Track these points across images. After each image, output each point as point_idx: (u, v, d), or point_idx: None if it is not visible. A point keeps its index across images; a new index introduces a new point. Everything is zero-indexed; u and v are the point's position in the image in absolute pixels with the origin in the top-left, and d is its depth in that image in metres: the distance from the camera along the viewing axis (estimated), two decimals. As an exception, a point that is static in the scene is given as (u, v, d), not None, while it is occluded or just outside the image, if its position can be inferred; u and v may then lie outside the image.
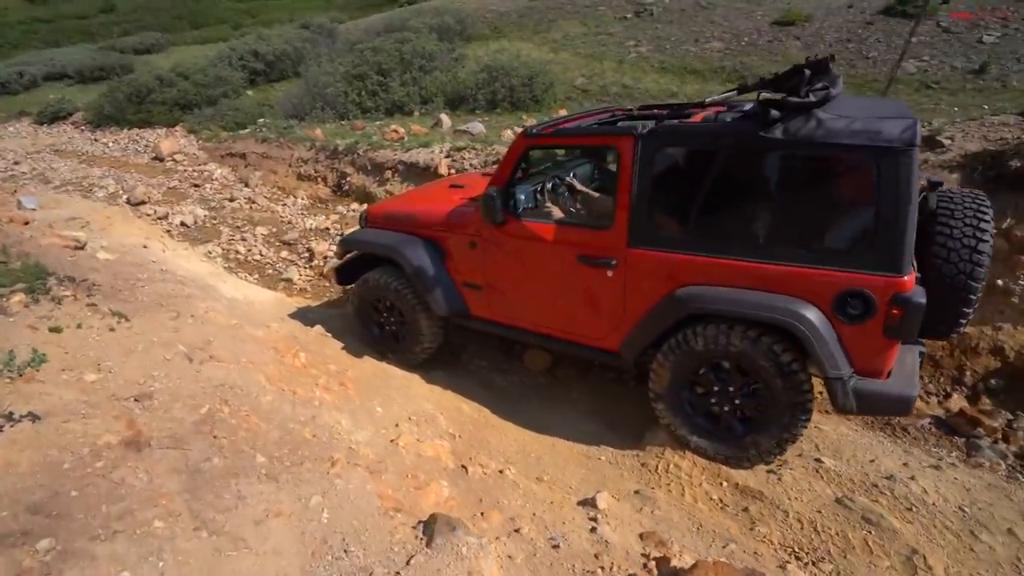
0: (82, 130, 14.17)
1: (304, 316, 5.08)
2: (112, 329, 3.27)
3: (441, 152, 7.08)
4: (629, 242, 3.02)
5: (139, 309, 3.91)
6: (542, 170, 4.01)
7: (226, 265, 7.09)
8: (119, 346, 3.03)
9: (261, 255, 7.27)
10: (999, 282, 3.84)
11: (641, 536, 2.42)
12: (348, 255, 4.45)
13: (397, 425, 3.21)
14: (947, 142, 4.28)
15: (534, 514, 2.55)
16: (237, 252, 7.41)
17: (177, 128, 12.95)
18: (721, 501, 2.80)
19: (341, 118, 11.25)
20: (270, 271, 6.93)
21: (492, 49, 14.37)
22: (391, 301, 4.14)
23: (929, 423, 3.53)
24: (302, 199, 8.77)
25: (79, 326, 3.20)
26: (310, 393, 3.23)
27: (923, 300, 2.46)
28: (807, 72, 2.50)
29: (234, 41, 16.81)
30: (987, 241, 2.68)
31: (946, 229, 2.73)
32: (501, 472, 2.93)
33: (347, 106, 11.39)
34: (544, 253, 3.35)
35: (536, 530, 2.39)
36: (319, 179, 8.88)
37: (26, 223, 7.21)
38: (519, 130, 8.40)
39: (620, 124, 3.30)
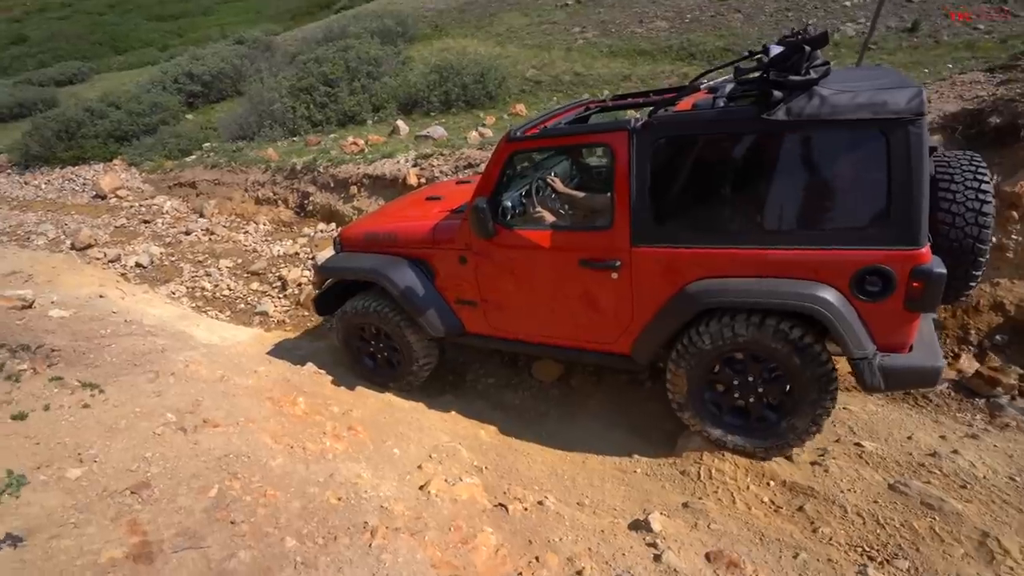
0: (8, 173, 13.10)
1: (290, 352, 4.72)
2: (86, 405, 2.88)
3: (407, 161, 6.74)
4: (632, 241, 2.88)
5: (111, 374, 3.51)
6: (520, 173, 3.79)
7: (194, 305, 6.60)
8: (99, 426, 2.66)
9: (230, 289, 6.80)
10: (993, 238, 3.83)
11: (708, 557, 2.25)
12: (327, 283, 4.17)
13: (420, 467, 2.95)
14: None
15: (590, 549, 2.35)
16: (203, 289, 6.92)
17: (116, 162, 12.10)
18: (773, 503, 2.66)
19: (292, 134, 10.70)
20: (242, 306, 6.49)
21: (436, 48, 13.97)
22: (378, 327, 3.89)
23: (948, 387, 3.50)
24: (264, 224, 8.27)
25: (46, 408, 2.81)
26: (320, 445, 2.93)
27: (943, 270, 2.39)
28: (807, 48, 2.37)
29: (166, 64, 15.84)
30: (990, 202, 2.64)
31: (949, 195, 2.68)
32: (541, 503, 2.71)
33: (297, 121, 10.83)
34: (542, 261, 3.18)
35: (599, 568, 2.19)
36: (279, 201, 8.40)
37: (-40, 285, 6.54)
38: (483, 130, 8.15)
39: (611, 119, 3.19)
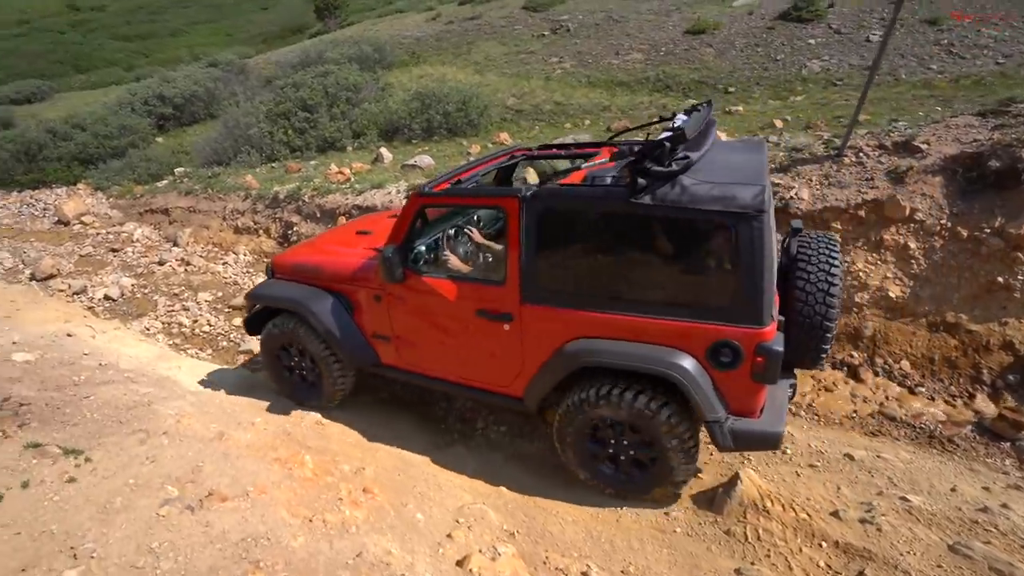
0: (-39, 197, 12.20)
1: (284, 404, 4.35)
2: (71, 479, 2.51)
3: (398, 192, 6.47)
4: (522, 298, 3.06)
5: (94, 433, 3.11)
6: (447, 216, 3.95)
7: (171, 342, 6.12)
8: (90, 505, 2.30)
9: (210, 325, 6.35)
10: (1000, 279, 3.85)
11: (779, 639, 2.06)
12: (255, 307, 4.31)
13: (450, 535, 2.68)
14: (924, 147, 4.31)
15: (650, 632, 2.13)
16: (181, 325, 6.44)
17: (80, 186, 11.40)
18: (830, 568, 2.50)
19: (270, 160, 10.29)
20: (224, 343, 6.05)
21: (415, 75, 13.83)
22: (301, 346, 4.02)
23: (971, 431, 3.45)
24: (244, 255, 7.83)
25: (25, 485, 2.42)
26: (340, 515, 2.62)
27: (781, 348, 2.62)
28: (667, 145, 2.59)
29: (134, 84, 15.18)
30: (837, 284, 2.93)
31: (804, 275, 2.97)
32: (585, 575, 2.47)
33: (275, 146, 10.44)
34: (445, 307, 3.36)
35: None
36: (260, 231, 7.98)
37: (-92, 323, 5.92)
38: (471, 158, 7.97)
39: (507, 185, 3.58)
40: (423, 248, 3.58)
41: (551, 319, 3.01)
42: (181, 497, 2.45)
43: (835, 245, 3.07)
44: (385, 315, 3.65)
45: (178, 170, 10.80)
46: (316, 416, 3.83)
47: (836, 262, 2.96)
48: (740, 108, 9.41)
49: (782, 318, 2.80)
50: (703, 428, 2.94)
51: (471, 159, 3.69)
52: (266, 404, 4.15)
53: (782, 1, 13.45)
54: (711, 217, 2.54)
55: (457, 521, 2.83)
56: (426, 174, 7.23)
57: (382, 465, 3.33)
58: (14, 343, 5.32)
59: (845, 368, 4.07)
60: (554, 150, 4.30)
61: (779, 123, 7.70)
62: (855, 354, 4.10)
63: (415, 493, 3.05)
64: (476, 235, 3.76)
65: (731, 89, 10.80)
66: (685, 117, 3.02)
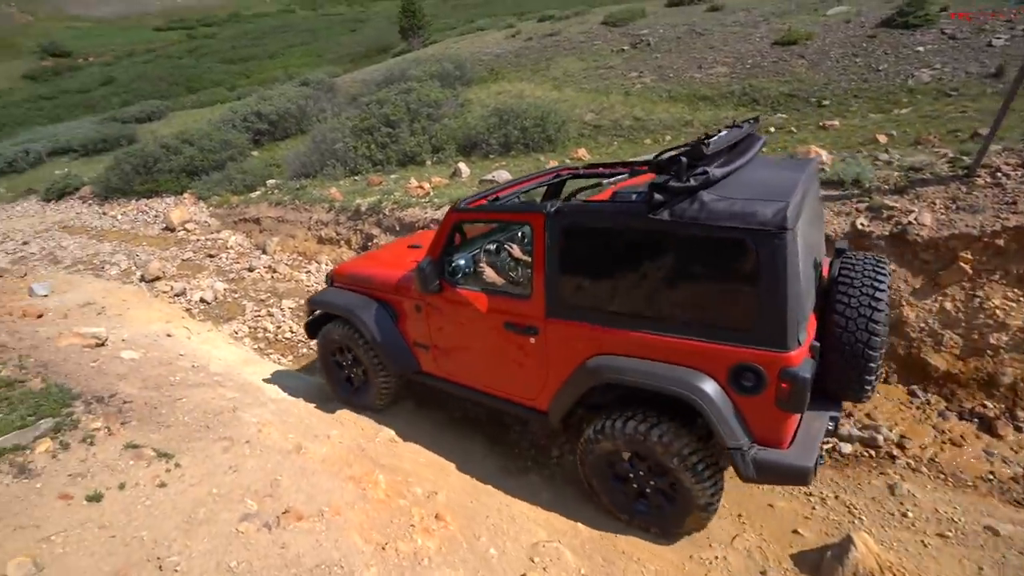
0: (90, 204, 13.54)
1: (360, 410, 4.37)
2: (162, 484, 2.58)
3: (478, 208, 6.46)
4: (546, 312, 3.08)
5: (185, 437, 3.22)
6: (492, 231, 4.05)
7: (256, 347, 6.39)
8: (176, 514, 2.34)
9: (292, 332, 6.58)
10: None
11: None
12: (315, 312, 4.62)
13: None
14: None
15: None
16: (265, 330, 6.73)
17: (186, 195, 12.35)
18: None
19: (353, 173, 10.69)
20: (304, 349, 6.24)
21: (493, 91, 13.98)
22: (350, 350, 4.28)
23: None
24: (326, 264, 8.12)
25: (122, 487, 2.51)
26: (412, 544, 2.53)
27: (808, 375, 2.43)
28: (683, 160, 2.52)
29: (235, 103, 16.37)
30: (882, 310, 2.71)
31: (844, 298, 2.78)
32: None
33: (358, 160, 10.84)
34: (477, 319, 3.44)
35: None
36: (342, 241, 8.25)
37: (39, 316, 6.53)
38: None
39: (535, 201, 3.61)
40: (461, 262, 3.71)
41: (574, 334, 3.00)
42: (259, 513, 2.45)
43: (883, 268, 2.90)
44: (424, 324, 3.81)
45: (270, 182, 11.46)
46: (390, 433, 3.81)
47: (882, 286, 2.77)
48: (836, 122, 8.76)
49: (817, 344, 2.66)
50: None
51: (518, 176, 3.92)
52: (341, 415, 4.18)
53: (885, 7, 12.49)
54: (730, 234, 2.43)
55: (532, 560, 2.67)
56: (503, 189, 7.20)
57: (454, 489, 3.22)
58: (123, 340, 5.75)
59: (976, 420, 3.54)
60: (601, 169, 4.27)
61: (882, 138, 7.05)
62: (990, 404, 3.57)
63: (488, 524, 2.91)
64: (516, 251, 3.82)
65: (825, 102, 10.09)
66: (725, 133, 2.93)
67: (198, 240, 10.28)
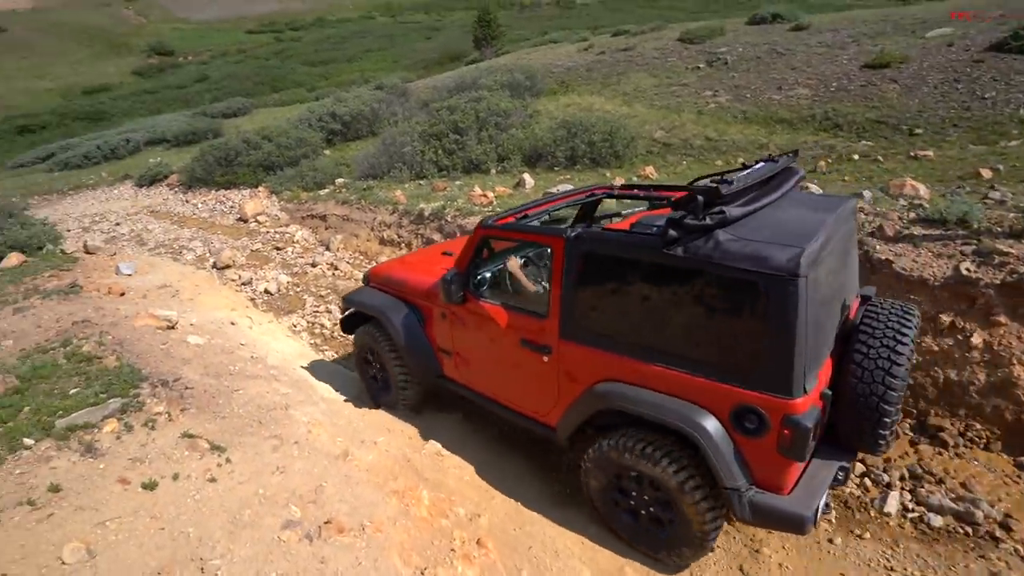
0: (175, 191, 14.43)
1: (410, 418, 4.33)
2: (213, 479, 2.59)
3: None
4: (560, 334, 3.12)
5: (237, 430, 3.25)
6: (515, 248, 4.04)
7: (312, 341, 6.52)
8: (223, 513, 2.34)
9: (348, 330, 6.68)
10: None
11: None
12: (349, 311, 4.75)
13: (566, 622, 2.35)
14: None
15: None
16: (322, 326, 6.86)
17: (260, 188, 12.91)
18: None
19: (419, 177, 10.84)
20: (359, 349, 6.30)
21: (562, 103, 13.89)
22: (377, 353, 4.41)
23: None
24: (386, 265, 8.23)
25: (175, 477, 2.54)
26: (453, 571, 2.43)
27: (811, 424, 2.38)
28: (700, 198, 2.48)
29: (313, 103, 17.06)
30: (901, 365, 2.60)
31: (864, 347, 2.68)
32: None
33: (424, 165, 10.99)
34: (496, 332, 3.51)
35: None
36: (403, 244, 8.35)
37: (122, 294, 6.92)
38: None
39: (554, 225, 3.65)
40: (488, 275, 3.82)
41: (585, 358, 3.04)
42: (302, 521, 2.41)
43: (909, 318, 2.78)
44: (448, 331, 3.94)
45: (338, 180, 11.80)
46: (437, 445, 3.73)
47: (906, 338, 2.66)
48: (930, 153, 8.11)
49: (828, 392, 2.59)
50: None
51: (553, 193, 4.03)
52: (390, 421, 4.15)
53: (996, 30, 11.56)
54: (742, 276, 2.41)
55: (574, 603, 2.50)
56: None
57: (497, 513, 3.10)
58: (191, 324, 5.98)
59: None
60: (635, 191, 4.24)
61: (986, 172, 6.45)
62: None
63: (530, 556, 2.77)
64: (512, 264, 3.87)
65: (918, 130, 9.39)
66: (761, 165, 2.94)
67: (268, 232, 10.70)
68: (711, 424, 2.56)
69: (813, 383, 2.45)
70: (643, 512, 3.03)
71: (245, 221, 11.47)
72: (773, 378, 2.40)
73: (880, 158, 8.29)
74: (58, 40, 52.68)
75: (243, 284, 8.43)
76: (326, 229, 10.16)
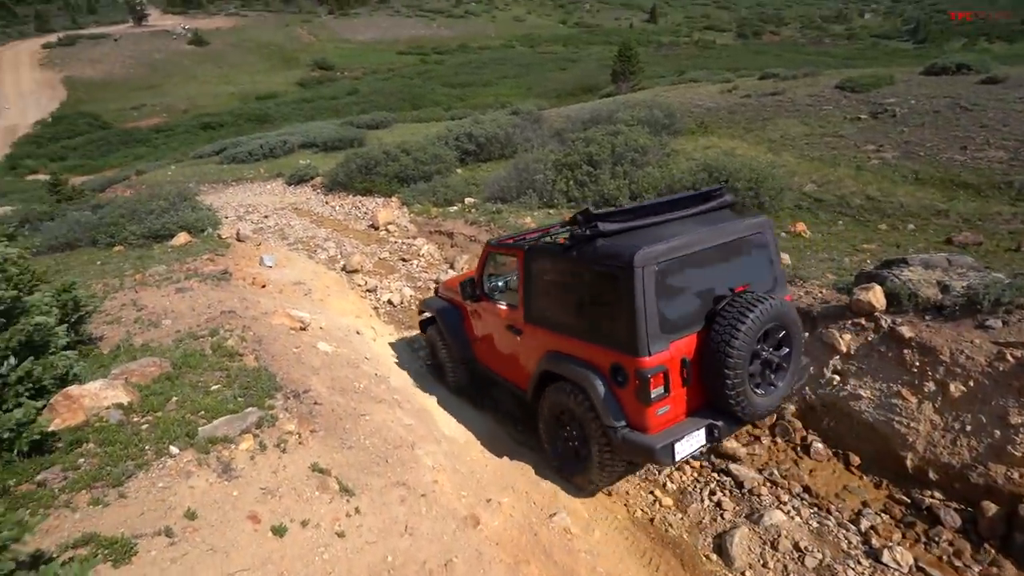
0: (318, 192, 15.42)
1: (535, 467, 3.90)
2: (341, 533, 2.31)
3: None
4: (524, 319, 4.21)
5: (365, 468, 3.00)
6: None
7: (430, 361, 6.36)
8: (349, 572, 2.03)
9: (466, 356, 6.43)
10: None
11: None
12: (424, 313, 5.93)
13: None
14: None
15: None
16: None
17: (393, 199, 13.38)
18: None
19: (548, 206, 10.59)
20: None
21: (701, 145, 13.10)
22: (435, 344, 5.63)
23: None
24: (508, 292, 7.97)
25: (304, 524, 2.29)
26: None
27: (649, 376, 3.20)
28: (580, 218, 3.61)
29: (452, 123, 17.63)
30: (737, 338, 3.21)
31: (716, 326, 3.33)
32: None
33: (554, 194, 10.73)
34: (496, 322, 4.70)
35: None
36: (527, 273, 8.06)
37: (263, 286, 7.22)
38: None
39: (523, 240, 4.54)
40: (500, 283, 4.99)
41: (537, 335, 4.11)
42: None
43: (753, 305, 3.28)
44: (472, 325, 5.14)
45: (468, 200, 11.88)
46: (565, 519, 3.26)
47: (746, 319, 3.22)
48: None
49: (688, 359, 3.36)
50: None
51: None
52: (512, 476, 3.75)
53: None
54: (604, 269, 3.36)
55: None
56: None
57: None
58: (321, 328, 6.02)
59: None
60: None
61: None
62: None
63: None
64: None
65: None
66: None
67: (396, 242, 10.94)
68: (597, 380, 3.49)
69: (661, 347, 3.25)
70: (569, 444, 3.95)
71: (376, 228, 11.84)
72: (628, 342, 3.25)
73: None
74: (245, 53, 60.34)
75: (368, 291, 8.56)
76: (452, 247, 10.17)
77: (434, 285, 8.48)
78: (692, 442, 3.31)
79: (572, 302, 3.67)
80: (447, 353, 5.40)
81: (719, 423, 3.41)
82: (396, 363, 5.73)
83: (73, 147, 33.56)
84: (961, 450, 3.50)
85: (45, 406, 2.99)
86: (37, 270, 4.47)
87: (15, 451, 2.49)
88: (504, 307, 4.56)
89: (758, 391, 3.36)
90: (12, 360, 2.64)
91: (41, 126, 39.63)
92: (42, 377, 3.02)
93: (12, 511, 1.95)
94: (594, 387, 3.42)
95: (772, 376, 3.46)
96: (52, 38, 58.13)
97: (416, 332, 7.10)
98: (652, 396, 3.17)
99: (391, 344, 6.55)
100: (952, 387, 3.71)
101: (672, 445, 3.22)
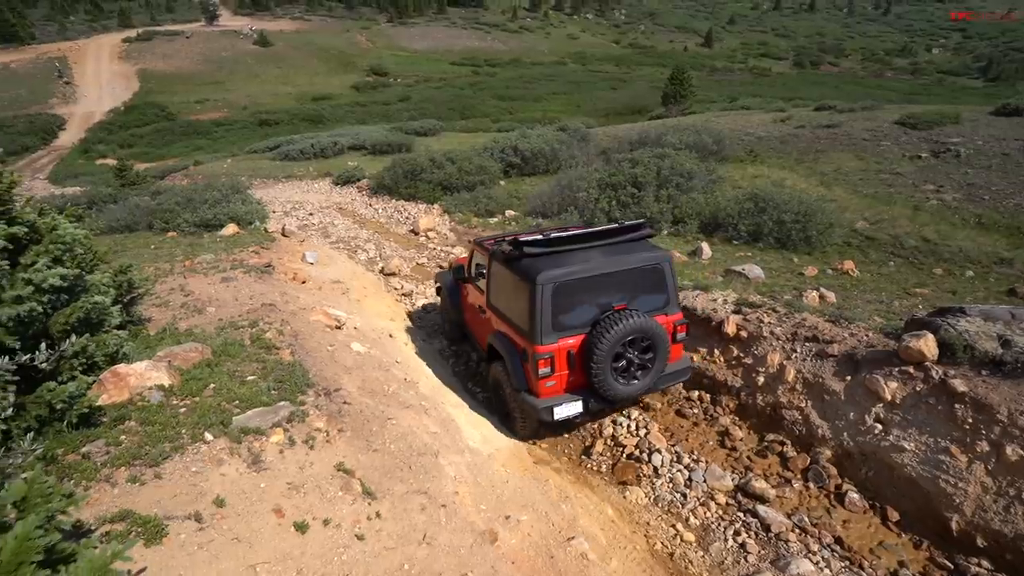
0: (363, 194, 15.78)
1: (553, 490, 3.87)
2: (360, 536, 2.34)
3: (726, 304, 5.61)
4: (487, 303, 5.33)
5: (388, 472, 3.03)
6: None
7: (458, 369, 6.40)
8: (366, 585, 2.04)
9: (494, 369, 6.45)
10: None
11: None
12: (437, 285, 7.24)
13: None
14: None
15: None
16: (470, 357, 6.71)
17: (435, 206, 13.56)
18: None
19: (587, 225, 10.55)
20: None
21: (749, 174, 12.84)
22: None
23: None
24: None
25: (326, 523, 2.33)
26: None
27: (539, 358, 4.40)
28: (519, 239, 4.68)
29: (499, 135, 17.81)
30: (602, 340, 4.31)
31: (593, 331, 4.44)
32: None
33: (595, 212, 10.67)
34: (473, 299, 5.89)
35: None
36: (562, 290, 8.03)
37: (303, 282, 7.41)
38: (822, 291, 6.39)
39: (494, 243, 5.48)
40: (481, 271, 5.74)
41: (491, 317, 5.20)
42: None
43: (621, 320, 4.35)
44: (462, 298, 6.40)
45: (508, 212, 11.95)
46: (583, 544, 3.20)
47: (613, 329, 4.32)
48: None
49: (573, 352, 4.51)
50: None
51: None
52: (532, 494, 3.71)
53: None
54: (522, 280, 4.50)
55: None
56: (757, 289, 6.20)
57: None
58: (355, 328, 6.13)
59: None
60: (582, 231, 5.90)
61: None
62: None
63: None
64: None
65: None
66: (630, 223, 5.07)
67: (435, 248, 11.07)
68: (513, 355, 4.67)
69: (551, 341, 4.39)
70: (501, 402, 5.12)
71: (416, 234, 12.01)
72: (530, 332, 4.40)
73: None
74: (306, 56, 62.73)
75: (404, 295, 8.66)
76: (488, 257, 10.24)
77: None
78: (569, 409, 4.49)
79: (511, 298, 4.76)
80: (446, 314, 6.99)
81: (591, 400, 4.59)
82: (426, 369, 5.78)
83: (140, 135, 35.50)
84: (1015, 518, 3.28)
85: (95, 381, 3.14)
86: (99, 251, 4.72)
87: (65, 422, 2.63)
88: (479, 291, 5.63)
89: (620, 381, 4.47)
90: (73, 337, 2.79)
91: (114, 114, 42.14)
92: (95, 353, 3.18)
93: (60, 483, 2.06)
94: (512, 361, 4.65)
95: (636, 372, 4.53)
96: (132, 33, 61.92)
97: (446, 342, 7.18)
98: (540, 373, 4.37)
99: (422, 350, 6.63)
100: (1008, 449, 3.49)
101: (552, 408, 4.44)
